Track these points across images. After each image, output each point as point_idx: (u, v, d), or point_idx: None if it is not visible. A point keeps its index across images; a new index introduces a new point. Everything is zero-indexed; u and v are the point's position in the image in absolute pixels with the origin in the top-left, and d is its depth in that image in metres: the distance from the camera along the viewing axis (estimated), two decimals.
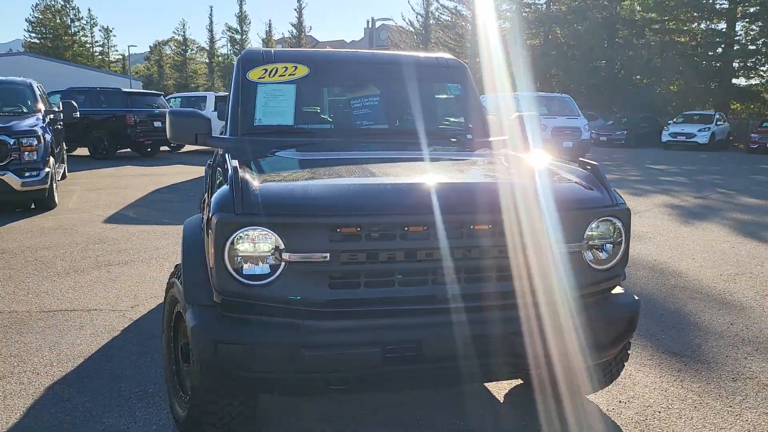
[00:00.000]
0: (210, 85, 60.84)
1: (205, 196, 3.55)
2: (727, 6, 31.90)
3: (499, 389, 3.37)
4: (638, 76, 35.23)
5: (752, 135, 25.41)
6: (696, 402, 3.22)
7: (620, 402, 3.22)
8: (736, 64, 32.54)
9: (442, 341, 2.33)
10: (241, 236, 2.23)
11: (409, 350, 2.30)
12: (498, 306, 2.39)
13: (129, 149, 18.49)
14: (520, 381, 3.33)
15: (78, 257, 6.21)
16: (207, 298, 2.42)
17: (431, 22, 43.38)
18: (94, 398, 3.23)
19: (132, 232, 7.46)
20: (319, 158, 2.93)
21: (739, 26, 32.31)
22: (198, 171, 14.55)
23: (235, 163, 2.40)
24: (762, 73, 32.73)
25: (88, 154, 17.58)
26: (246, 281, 2.25)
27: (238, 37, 61.43)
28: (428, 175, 2.73)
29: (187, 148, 21.38)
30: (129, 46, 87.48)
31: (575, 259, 2.45)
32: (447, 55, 4.06)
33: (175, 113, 3.41)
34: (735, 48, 32.10)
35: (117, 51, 69.76)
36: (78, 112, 11.28)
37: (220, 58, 64.18)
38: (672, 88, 35.14)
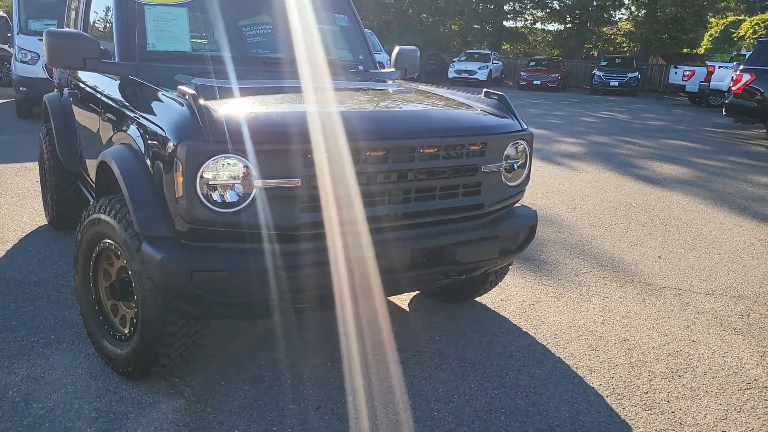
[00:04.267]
0: None
1: (99, 130, 3.30)
2: None
3: (401, 300, 3.75)
4: (425, 15, 37.17)
5: (522, 73, 28.56)
6: (557, 294, 3.93)
7: (501, 300, 3.80)
8: (507, 7, 35.94)
9: (396, 255, 2.59)
10: (212, 164, 2.22)
11: (369, 265, 2.52)
12: (441, 221, 2.71)
13: None
14: (417, 291, 3.75)
15: None
16: (163, 230, 2.36)
17: None
18: None
19: None
20: (246, 86, 2.89)
21: None
22: None
23: (191, 89, 2.33)
24: (527, 16, 36.67)
25: None
26: (218, 209, 2.26)
27: None
28: (375, 103, 2.90)
29: None
30: None
31: (496, 178, 2.84)
32: None
33: (56, 35, 3.04)
34: None
35: None
36: None
37: None
38: (454, 27, 37.79)
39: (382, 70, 3.98)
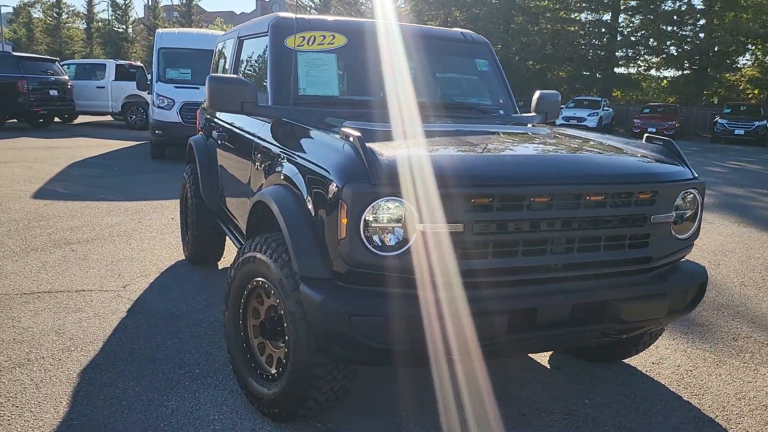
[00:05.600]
0: (89, 52, 56.42)
1: (250, 171, 3.39)
2: None
3: (541, 357, 3.53)
4: (531, 62, 36.90)
5: (635, 120, 27.47)
6: (716, 360, 3.55)
7: (653, 363, 3.48)
8: (619, 53, 34.95)
9: (556, 309, 2.42)
10: (376, 207, 2.18)
11: (528, 318, 2.37)
12: (605, 274, 2.52)
13: (16, 120, 16.86)
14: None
15: (27, 235, 5.66)
16: (321, 271, 2.34)
17: None
18: (140, 382, 3.02)
19: (73, 209, 6.90)
20: (399, 130, 2.88)
21: (621, 18, 34.70)
22: (106, 144, 13.64)
23: (355, 131, 2.32)
24: (641, 62, 35.40)
25: None
26: (379, 252, 2.21)
27: (120, 2, 57.29)
28: (534, 147, 2.80)
29: (82, 119, 19.86)
30: None
31: (665, 230, 2.62)
32: (470, 32, 4.11)
33: (219, 80, 3.20)
34: (618, 38, 34.46)
35: None
36: None
37: (99, 23, 59.58)
38: (561, 74, 37.19)
39: (524, 115, 3.87)
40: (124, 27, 59.40)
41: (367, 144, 2.27)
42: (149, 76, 12.91)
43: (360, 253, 2.20)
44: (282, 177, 2.74)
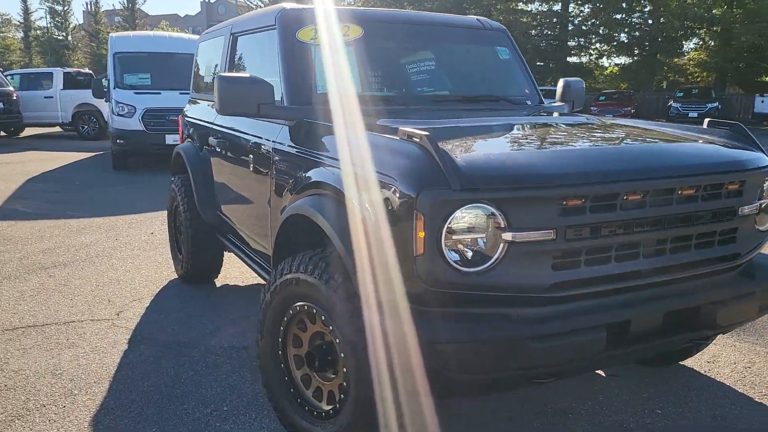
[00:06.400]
0: (28, 62, 54.06)
1: (267, 181, 3.03)
2: None
3: None
4: None
5: (592, 108, 27.81)
6: None
7: (708, 362, 3.29)
8: (572, 43, 35.39)
9: (648, 319, 2.17)
10: (459, 215, 1.88)
11: (623, 331, 2.11)
12: (694, 276, 2.28)
13: None
14: None
15: None
16: (390, 293, 2.02)
17: None
18: (163, 428, 2.65)
19: (40, 229, 6.36)
20: (448, 127, 2.58)
21: (571, 7, 35.11)
22: (60, 157, 12.88)
23: (422, 130, 2.01)
24: (592, 51, 35.92)
25: None
26: (464, 268, 1.91)
27: (59, 8, 55.02)
28: (607, 139, 2.53)
29: (29, 131, 18.83)
30: None
31: (749, 222, 2.40)
32: (486, 18, 3.83)
33: (230, 80, 2.84)
34: (570, 28, 34.88)
35: None
36: None
37: (38, 32, 57.15)
38: None
39: (554, 104, 3.63)
40: (64, 34, 57.01)
41: (442, 144, 1.97)
42: (105, 83, 12.24)
43: (441, 271, 1.90)
44: (320, 186, 2.41)
